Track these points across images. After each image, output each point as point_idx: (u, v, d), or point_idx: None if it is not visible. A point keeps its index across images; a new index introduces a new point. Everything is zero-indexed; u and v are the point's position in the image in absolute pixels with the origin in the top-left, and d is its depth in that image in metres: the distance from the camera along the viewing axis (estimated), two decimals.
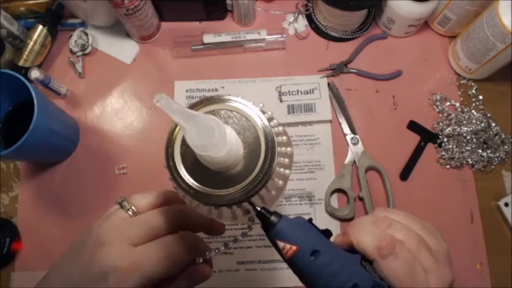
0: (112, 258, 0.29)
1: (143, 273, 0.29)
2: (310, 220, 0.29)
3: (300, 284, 0.29)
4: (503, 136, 0.59)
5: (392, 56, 0.64)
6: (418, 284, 0.28)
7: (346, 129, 0.60)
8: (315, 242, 0.27)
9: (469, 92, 0.62)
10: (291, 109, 0.61)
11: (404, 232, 0.30)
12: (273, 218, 0.28)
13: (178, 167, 0.27)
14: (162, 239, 0.31)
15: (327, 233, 0.29)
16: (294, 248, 0.27)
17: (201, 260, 0.33)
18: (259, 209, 0.28)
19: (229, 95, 0.29)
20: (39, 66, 0.62)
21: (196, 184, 0.27)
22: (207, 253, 0.33)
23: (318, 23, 0.65)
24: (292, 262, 0.27)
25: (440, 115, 0.61)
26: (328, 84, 0.62)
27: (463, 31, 0.60)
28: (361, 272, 0.27)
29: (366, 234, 0.30)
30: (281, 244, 0.27)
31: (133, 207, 0.33)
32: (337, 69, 0.63)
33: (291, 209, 0.57)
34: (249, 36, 0.63)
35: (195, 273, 0.33)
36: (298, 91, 0.61)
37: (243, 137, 0.28)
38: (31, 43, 0.61)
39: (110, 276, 0.28)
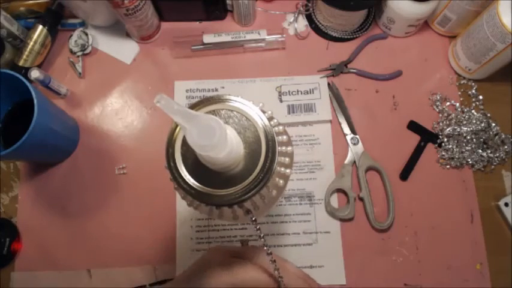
0: None
1: None
2: None
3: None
4: (503, 136, 0.59)
5: (392, 56, 0.64)
6: None
7: (346, 129, 0.60)
8: None
9: (469, 92, 0.62)
10: (291, 109, 0.61)
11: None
12: None
13: (179, 167, 0.27)
14: None
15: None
16: None
17: None
18: None
19: (229, 94, 0.29)
20: (39, 66, 0.62)
21: (197, 184, 0.27)
22: None
23: (318, 23, 0.65)
24: None
25: (440, 115, 0.61)
26: (328, 84, 0.62)
27: (463, 31, 0.60)
28: None
29: None
30: None
31: None
32: (337, 69, 0.63)
33: (291, 209, 0.57)
34: (249, 36, 0.63)
35: None
36: (298, 91, 0.61)
37: (243, 137, 0.28)
38: (31, 43, 0.61)
39: None
